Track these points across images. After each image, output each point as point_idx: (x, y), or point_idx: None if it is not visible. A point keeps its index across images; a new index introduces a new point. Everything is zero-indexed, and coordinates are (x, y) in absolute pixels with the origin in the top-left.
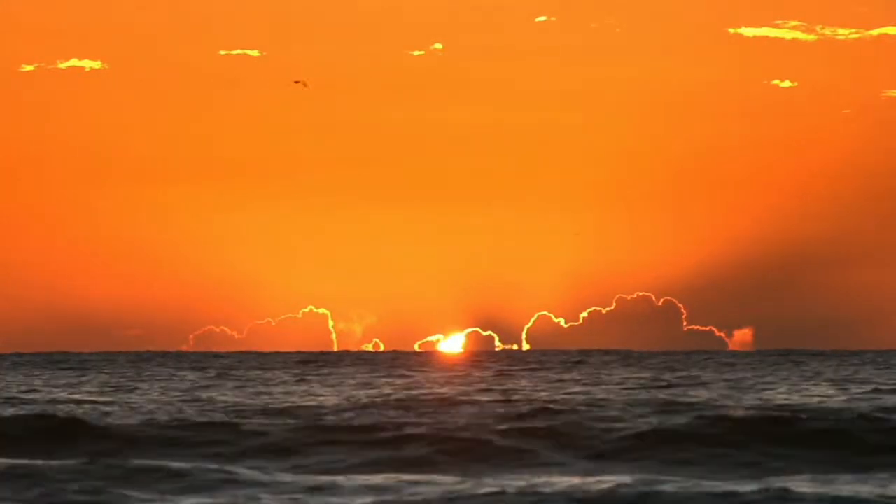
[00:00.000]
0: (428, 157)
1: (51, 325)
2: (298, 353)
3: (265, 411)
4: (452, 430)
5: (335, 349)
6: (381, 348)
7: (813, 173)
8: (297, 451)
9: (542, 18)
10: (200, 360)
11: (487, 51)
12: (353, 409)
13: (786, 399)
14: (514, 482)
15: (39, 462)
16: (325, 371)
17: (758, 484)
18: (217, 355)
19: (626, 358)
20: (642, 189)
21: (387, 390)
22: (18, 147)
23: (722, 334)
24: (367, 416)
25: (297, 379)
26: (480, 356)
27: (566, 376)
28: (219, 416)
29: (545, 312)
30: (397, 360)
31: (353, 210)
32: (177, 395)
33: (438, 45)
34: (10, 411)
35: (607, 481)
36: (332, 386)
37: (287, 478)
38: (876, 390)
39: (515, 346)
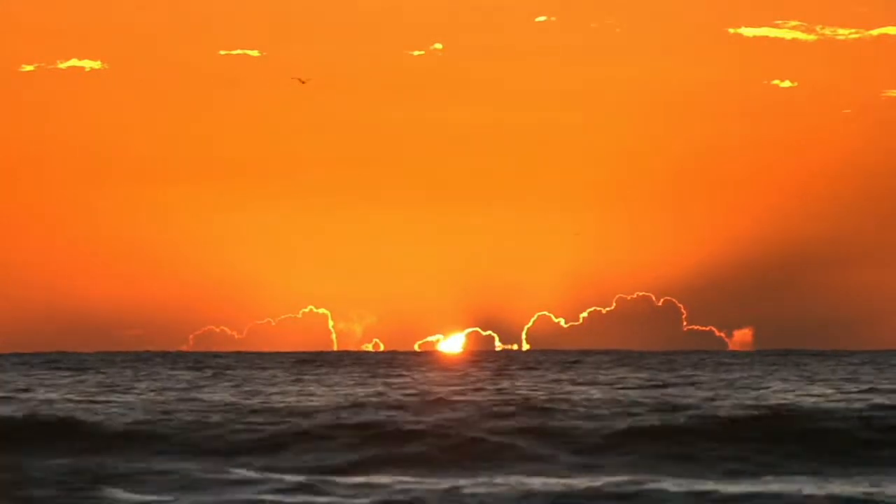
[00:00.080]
0: (428, 157)
1: (51, 325)
2: (298, 353)
3: (257, 410)
4: (443, 428)
5: (335, 349)
6: (381, 348)
7: (813, 173)
8: (288, 449)
9: (542, 18)
10: (198, 360)
11: (487, 51)
12: (346, 409)
13: (780, 398)
14: (503, 480)
15: (29, 461)
16: (322, 371)
17: (747, 483)
18: (217, 355)
19: (624, 358)
20: (642, 189)
21: (381, 390)
22: (18, 147)
23: (722, 334)
24: (358, 416)
25: (292, 378)
26: (479, 356)
27: (562, 376)
28: (211, 416)
29: (545, 312)
30: (395, 360)
31: (353, 210)
32: (173, 394)
33: (438, 45)
34: (1, 410)
35: (595, 479)
36: (328, 385)
37: (278, 476)
38: (872, 390)
39: (515, 347)
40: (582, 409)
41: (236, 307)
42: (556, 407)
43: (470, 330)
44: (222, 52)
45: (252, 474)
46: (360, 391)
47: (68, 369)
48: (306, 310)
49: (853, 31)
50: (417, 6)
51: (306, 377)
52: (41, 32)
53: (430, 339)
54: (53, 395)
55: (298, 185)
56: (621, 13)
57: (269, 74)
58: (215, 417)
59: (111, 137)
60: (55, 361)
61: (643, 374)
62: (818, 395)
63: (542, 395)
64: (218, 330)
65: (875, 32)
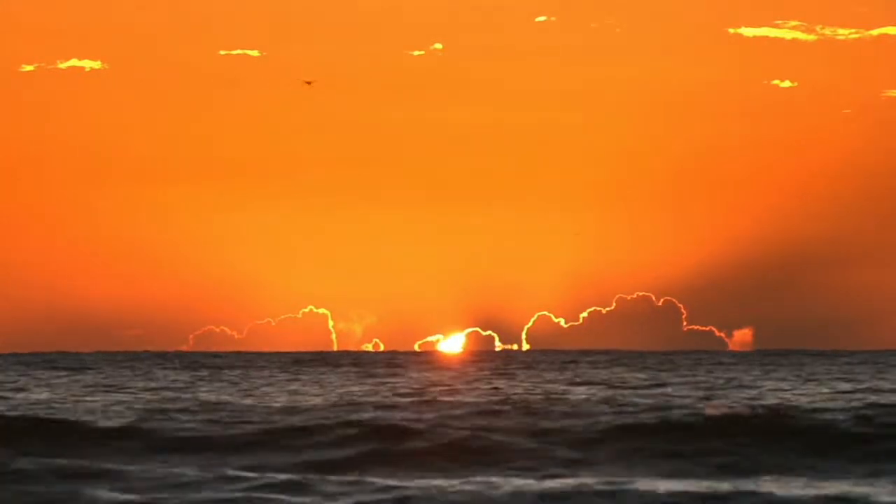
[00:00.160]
0: (428, 157)
1: (51, 325)
2: (298, 353)
3: (251, 408)
4: (436, 426)
5: (335, 349)
6: (382, 348)
7: (813, 173)
8: (280, 447)
9: (542, 18)
10: (196, 360)
11: (487, 51)
12: (339, 407)
13: (776, 398)
14: (495, 478)
15: (15, 459)
16: (319, 370)
17: (741, 481)
18: (216, 355)
19: (623, 358)
20: (642, 189)
21: (376, 388)
22: (18, 147)
23: (722, 334)
24: (351, 414)
25: (288, 378)
26: (478, 356)
27: (559, 376)
28: (203, 415)
29: (545, 312)
30: (394, 360)
31: (353, 210)
32: (168, 394)
33: (438, 45)
34: None
35: (588, 477)
36: (323, 384)
37: (270, 474)
38: (869, 389)
39: (515, 347)
40: (576, 408)
41: (236, 307)
42: (550, 406)
43: (470, 330)
44: (222, 52)
45: (242, 472)
46: (356, 390)
47: (65, 368)
48: (306, 310)
49: (853, 31)
50: (417, 6)
51: (303, 377)
52: (41, 32)
53: (430, 339)
54: (47, 395)
55: (298, 185)
56: (621, 13)
57: (269, 74)
58: (208, 416)
59: (111, 137)
60: (53, 361)
61: (640, 374)
62: (814, 394)
63: (538, 394)
64: (218, 330)
65: (875, 32)
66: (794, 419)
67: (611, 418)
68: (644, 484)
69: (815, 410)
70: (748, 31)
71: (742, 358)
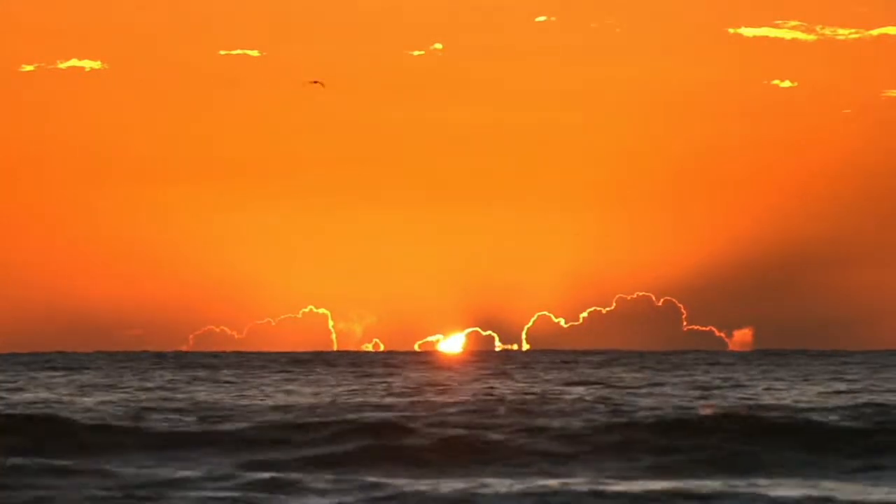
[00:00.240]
0: (428, 157)
1: (51, 325)
2: (297, 353)
3: (244, 407)
4: (429, 425)
5: (335, 349)
6: (381, 348)
7: (813, 173)
8: (271, 444)
9: (542, 18)
10: (194, 360)
11: (487, 51)
12: (332, 406)
13: (773, 398)
14: (488, 477)
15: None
16: (316, 370)
17: (735, 480)
18: (216, 355)
19: (622, 358)
20: (642, 189)
21: (372, 388)
22: (18, 147)
23: (722, 334)
24: (343, 412)
25: (284, 378)
26: (478, 356)
27: (558, 376)
28: (193, 414)
29: (545, 312)
30: (393, 360)
31: (353, 210)
32: (162, 393)
33: (438, 45)
34: None
35: (580, 476)
36: (319, 384)
37: (261, 472)
38: (866, 390)
39: (515, 347)
40: (571, 408)
41: (236, 307)
42: (545, 405)
43: (470, 330)
44: (222, 52)
45: (236, 470)
46: (352, 389)
47: (64, 368)
48: (306, 310)
49: (853, 31)
50: (417, 6)
51: (300, 376)
52: (41, 32)
53: (430, 339)
54: (43, 394)
55: (298, 185)
56: (621, 13)
57: (269, 74)
58: (199, 415)
59: (111, 137)
60: (52, 361)
61: (638, 374)
62: (811, 394)
63: (534, 393)
64: (218, 330)
65: (875, 32)
66: (789, 418)
67: (605, 418)
68: (637, 483)
69: (810, 410)
70: (748, 31)
71: (741, 358)
